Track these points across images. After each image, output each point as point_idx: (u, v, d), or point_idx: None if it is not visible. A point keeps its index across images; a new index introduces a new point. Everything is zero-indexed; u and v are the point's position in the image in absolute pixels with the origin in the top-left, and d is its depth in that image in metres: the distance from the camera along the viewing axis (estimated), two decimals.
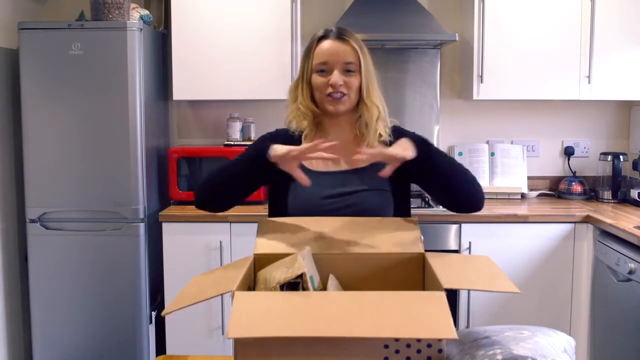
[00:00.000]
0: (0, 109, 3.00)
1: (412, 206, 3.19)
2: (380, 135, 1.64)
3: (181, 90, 3.17)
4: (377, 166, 1.63)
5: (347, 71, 1.58)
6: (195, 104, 3.54)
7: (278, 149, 1.48)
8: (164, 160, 3.30)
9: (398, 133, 1.67)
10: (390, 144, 1.61)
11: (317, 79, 1.60)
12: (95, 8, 2.94)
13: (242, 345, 0.99)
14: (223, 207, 1.64)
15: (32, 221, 2.98)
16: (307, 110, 1.63)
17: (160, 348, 3.11)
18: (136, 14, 3.08)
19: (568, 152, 3.54)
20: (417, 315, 1.01)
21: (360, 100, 1.62)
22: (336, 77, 1.56)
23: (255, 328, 0.98)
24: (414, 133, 1.67)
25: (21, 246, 3.13)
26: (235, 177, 1.58)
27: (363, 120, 1.62)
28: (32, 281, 3.01)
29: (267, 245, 1.39)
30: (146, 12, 3.16)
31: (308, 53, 1.63)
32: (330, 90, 1.57)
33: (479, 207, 1.60)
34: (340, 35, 1.59)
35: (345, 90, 1.58)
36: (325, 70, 1.59)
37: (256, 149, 1.55)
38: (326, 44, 1.59)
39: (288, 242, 1.39)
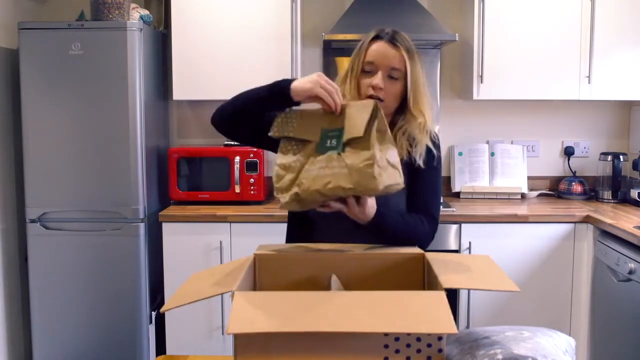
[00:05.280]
0: (0, 109, 3.00)
1: None
2: (428, 148, 1.64)
3: (181, 90, 3.17)
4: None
5: (390, 77, 1.59)
6: (195, 104, 3.54)
7: (300, 88, 1.46)
8: (164, 160, 3.30)
9: (438, 142, 1.71)
10: (433, 155, 1.64)
11: (362, 78, 1.61)
12: (95, 8, 2.94)
13: (242, 342, 1.00)
14: (232, 126, 1.65)
15: (32, 221, 2.98)
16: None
17: (160, 348, 3.11)
18: (136, 14, 3.08)
19: (568, 152, 3.54)
20: (417, 312, 1.01)
21: (406, 109, 1.63)
22: (378, 79, 1.57)
23: (255, 324, 0.98)
24: (439, 150, 1.71)
25: (21, 246, 3.13)
26: (252, 99, 1.57)
27: (409, 130, 1.62)
28: (32, 281, 3.01)
29: (268, 246, 1.40)
30: (146, 12, 3.17)
31: (359, 50, 1.64)
32: (370, 91, 1.58)
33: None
34: (392, 40, 1.60)
35: (383, 95, 1.59)
36: (370, 71, 1.60)
37: (279, 85, 1.54)
38: (377, 46, 1.61)
39: (289, 246, 1.40)
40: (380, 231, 1.52)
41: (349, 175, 1.33)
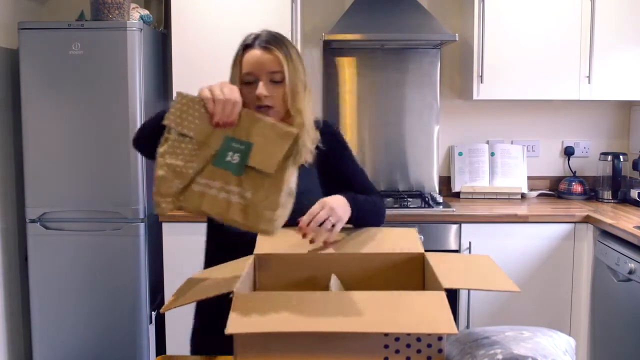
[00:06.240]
0: (0, 109, 3.00)
1: (412, 206, 3.19)
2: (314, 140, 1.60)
3: (181, 90, 3.16)
4: (312, 169, 1.63)
5: (273, 81, 1.53)
6: None
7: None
8: None
9: (328, 129, 1.68)
10: (320, 148, 1.60)
11: (244, 90, 1.52)
12: (95, 8, 2.94)
13: (242, 342, 1.00)
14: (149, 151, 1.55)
15: (32, 221, 2.98)
16: None
17: (160, 348, 3.11)
18: (136, 14, 3.08)
19: (568, 152, 3.54)
20: (417, 312, 1.01)
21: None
22: (261, 88, 1.51)
23: (255, 324, 0.98)
24: (340, 135, 1.73)
25: (21, 246, 3.13)
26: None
27: (301, 129, 1.53)
28: (32, 281, 3.01)
29: (268, 245, 1.40)
30: (146, 12, 3.17)
31: (234, 64, 1.58)
32: (257, 102, 1.52)
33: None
34: (266, 44, 1.54)
35: (271, 102, 1.53)
36: (251, 81, 1.53)
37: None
38: (250, 55, 1.54)
39: (289, 244, 1.39)
40: (360, 221, 1.54)
41: (245, 211, 1.22)
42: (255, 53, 1.54)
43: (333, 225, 1.42)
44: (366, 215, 1.58)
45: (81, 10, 3.16)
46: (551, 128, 3.57)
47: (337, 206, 1.45)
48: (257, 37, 1.57)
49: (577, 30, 3.14)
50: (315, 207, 1.42)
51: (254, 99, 1.52)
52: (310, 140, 1.58)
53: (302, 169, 1.51)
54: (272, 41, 1.55)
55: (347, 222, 1.51)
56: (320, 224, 1.40)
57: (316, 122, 1.64)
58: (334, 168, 1.65)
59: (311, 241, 1.40)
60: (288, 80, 1.53)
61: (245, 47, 1.56)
